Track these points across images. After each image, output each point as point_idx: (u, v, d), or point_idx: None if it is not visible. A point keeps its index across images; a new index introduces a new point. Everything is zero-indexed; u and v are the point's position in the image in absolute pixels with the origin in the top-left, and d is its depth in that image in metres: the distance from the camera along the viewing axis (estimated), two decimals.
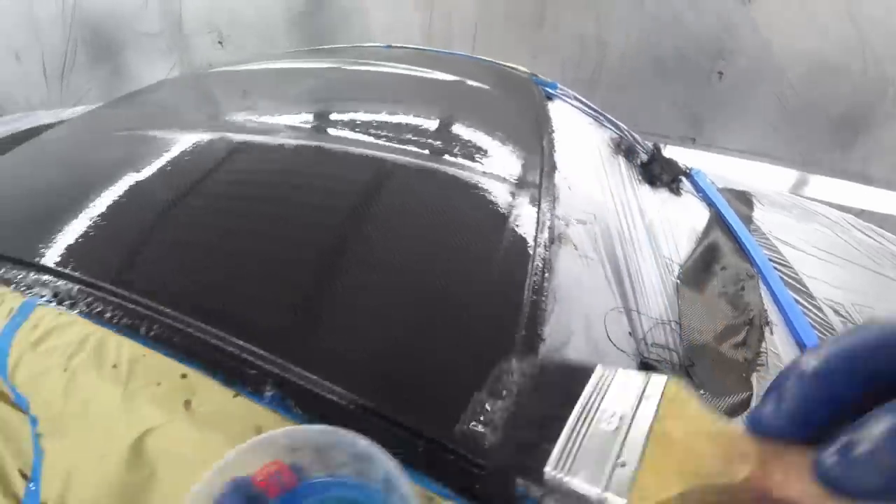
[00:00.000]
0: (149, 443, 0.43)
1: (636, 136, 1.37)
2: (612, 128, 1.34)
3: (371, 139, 0.76)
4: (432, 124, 0.88)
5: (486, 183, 0.71)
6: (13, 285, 0.53)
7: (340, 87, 1.08)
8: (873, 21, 2.11)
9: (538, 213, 0.68)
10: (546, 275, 0.57)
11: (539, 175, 0.77)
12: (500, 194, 0.69)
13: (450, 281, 0.56)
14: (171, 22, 2.87)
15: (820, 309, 0.95)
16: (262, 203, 0.64)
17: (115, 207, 0.62)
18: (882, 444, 0.15)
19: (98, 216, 0.61)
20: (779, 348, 0.82)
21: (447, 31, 2.57)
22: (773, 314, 0.88)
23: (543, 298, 0.54)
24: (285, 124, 0.84)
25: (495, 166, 0.77)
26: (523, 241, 0.62)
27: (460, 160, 0.75)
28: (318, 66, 1.24)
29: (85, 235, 0.58)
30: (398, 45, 1.60)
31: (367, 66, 1.17)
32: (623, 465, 0.18)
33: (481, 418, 0.22)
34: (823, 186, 2.54)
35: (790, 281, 1.00)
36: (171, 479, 0.42)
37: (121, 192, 0.65)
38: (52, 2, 2.71)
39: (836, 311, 0.97)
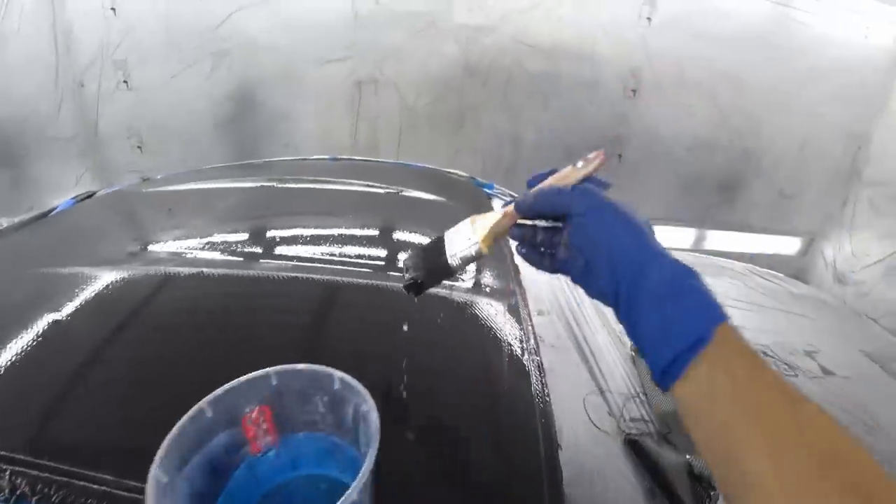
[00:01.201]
0: None
1: None
2: None
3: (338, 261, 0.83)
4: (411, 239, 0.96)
5: (476, 295, 0.79)
6: None
7: (312, 208, 1.12)
8: (731, 105, 2.65)
9: (524, 314, 0.76)
10: (542, 374, 0.65)
11: (514, 279, 0.86)
12: (491, 302, 0.77)
13: (466, 390, 0.60)
14: (87, 126, 2.73)
15: None
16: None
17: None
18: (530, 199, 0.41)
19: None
20: None
21: (372, 136, 2.77)
22: None
23: (547, 396, 0.61)
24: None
25: (479, 275, 0.85)
26: (519, 346, 0.69)
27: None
28: (275, 184, 1.27)
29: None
30: (343, 157, 1.71)
31: (322, 185, 1.23)
32: (474, 242, 0.43)
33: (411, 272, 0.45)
34: (718, 238, 2.96)
35: None
36: None
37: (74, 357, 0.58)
38: None
39: (765, 352, 1.13)
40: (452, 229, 0.45)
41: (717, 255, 1.95)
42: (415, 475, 0.48)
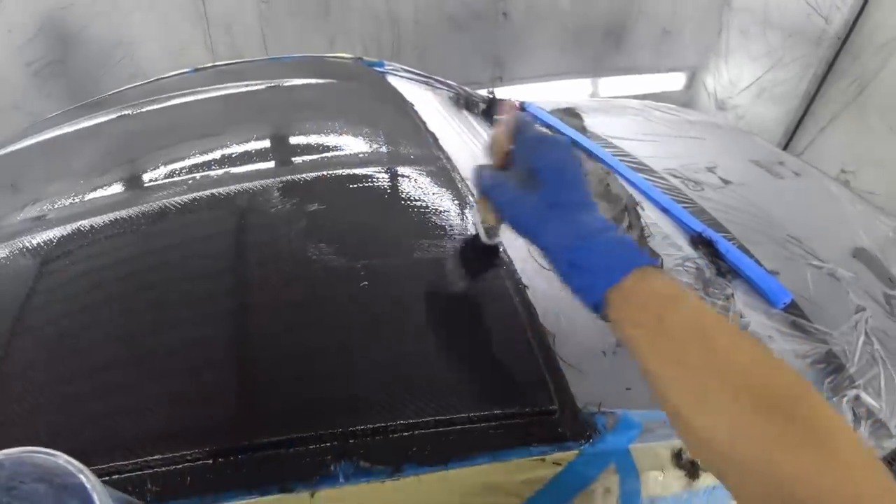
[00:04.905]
0: None
1: (465, 88, 1.46)
2: (445, 87, 1.42)
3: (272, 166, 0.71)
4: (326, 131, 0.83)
5: (405, 169, 0.71)
6: None
7: (204, 122, 0.94)
8: None
9: (457, 177, 0.70)
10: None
11: (435, 147, 0.79)
12: (421, 169, 0.70)
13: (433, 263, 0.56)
14: None
15: (663, 178, 1.16)
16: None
17: None
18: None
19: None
20: (653, 219, 0.99)
21: (231, 43, 2.39)
22: (636, 195, 1.05)
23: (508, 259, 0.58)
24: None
25: (400, 151, 0.77)
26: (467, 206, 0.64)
27: (365, 158, 0.74)
28: (132, 111, 1.03)
29: None
30: (206, 65, 1.46)
31: (193, 97, 1.05)
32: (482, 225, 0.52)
33: None
34: (609, 84, 3.02)
35: (635, 165, 1.19)
36: None
37: None
38: None
39: (674, 175, 1.19)
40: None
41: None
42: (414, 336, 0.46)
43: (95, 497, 0.25)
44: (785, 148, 2.68)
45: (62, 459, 0.25)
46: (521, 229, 0.43)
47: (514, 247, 0.70)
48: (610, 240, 0.38)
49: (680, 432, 0.33)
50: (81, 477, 0.25)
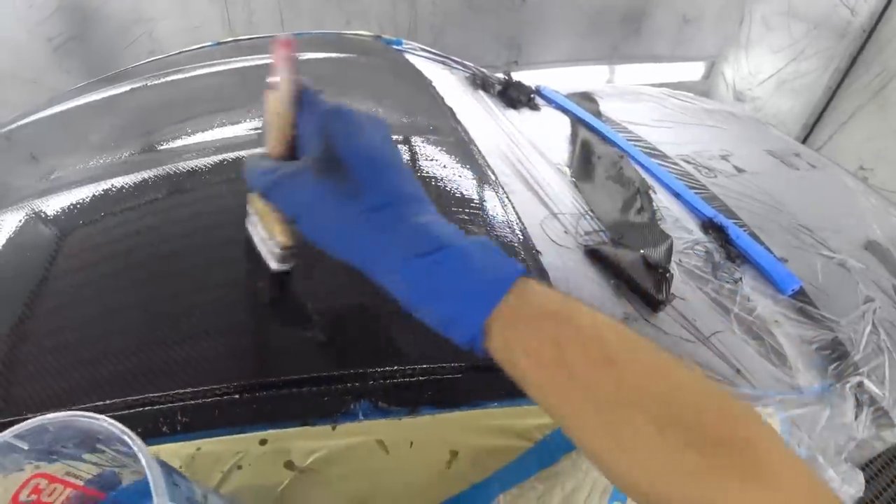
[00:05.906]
0: None
1: (483, 69, 1.46)
2: (461, 67, 1.42)
3: None
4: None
5: (425, 140, 0.72)
6: None
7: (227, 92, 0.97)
8: None
9: (475, 150, 0.72)
10: (510, 200, 0.63)
11: (453, 120, 0.81)
12: (441, 139, 0.71)
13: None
14: None
15: (676, 163, 1.16)
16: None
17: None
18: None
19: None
20: (664, 202, 0.99)
21: (248, 21, 2.40)
22: (649, 179, 1.06)
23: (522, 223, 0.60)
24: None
25: (420, 123, 0.78)
26: (485, 176, 0.65)
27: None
28: (153, 81, 1.07)
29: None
30: (228, 39, 1.47)
31: (217, 67, 1.07)
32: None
33: None
34: (626, 72, 2.99)
35: (648, 150, 1.19)
36: None
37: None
38: None
39: (686, 161, 1.19)
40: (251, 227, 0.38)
41: None
42: None
43: (143, 457, 0.24)
44: (803, 142, 2.64)
45: (106, 423, 0.25)
46: (333, 247, 0.29)
47: (527, 213, 0.72)
48: (469, 249, 0.28)
49: (606, 476, 0.28)
50: (126, 439, 0.25)
